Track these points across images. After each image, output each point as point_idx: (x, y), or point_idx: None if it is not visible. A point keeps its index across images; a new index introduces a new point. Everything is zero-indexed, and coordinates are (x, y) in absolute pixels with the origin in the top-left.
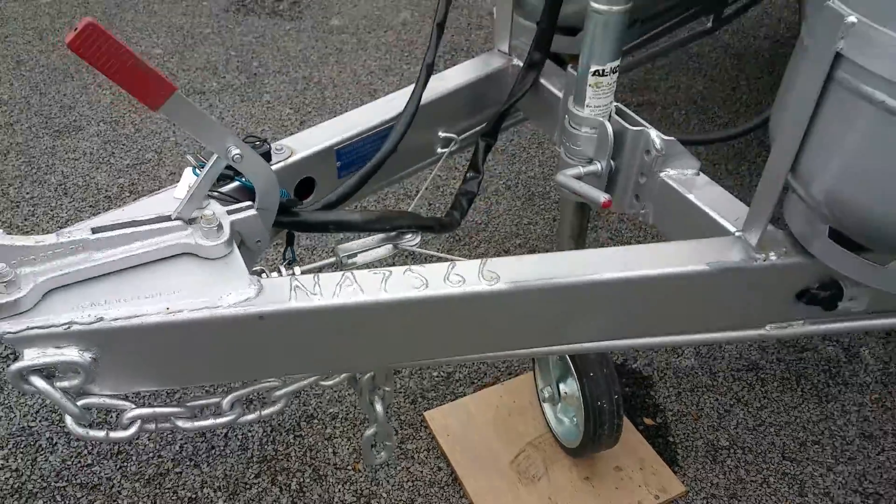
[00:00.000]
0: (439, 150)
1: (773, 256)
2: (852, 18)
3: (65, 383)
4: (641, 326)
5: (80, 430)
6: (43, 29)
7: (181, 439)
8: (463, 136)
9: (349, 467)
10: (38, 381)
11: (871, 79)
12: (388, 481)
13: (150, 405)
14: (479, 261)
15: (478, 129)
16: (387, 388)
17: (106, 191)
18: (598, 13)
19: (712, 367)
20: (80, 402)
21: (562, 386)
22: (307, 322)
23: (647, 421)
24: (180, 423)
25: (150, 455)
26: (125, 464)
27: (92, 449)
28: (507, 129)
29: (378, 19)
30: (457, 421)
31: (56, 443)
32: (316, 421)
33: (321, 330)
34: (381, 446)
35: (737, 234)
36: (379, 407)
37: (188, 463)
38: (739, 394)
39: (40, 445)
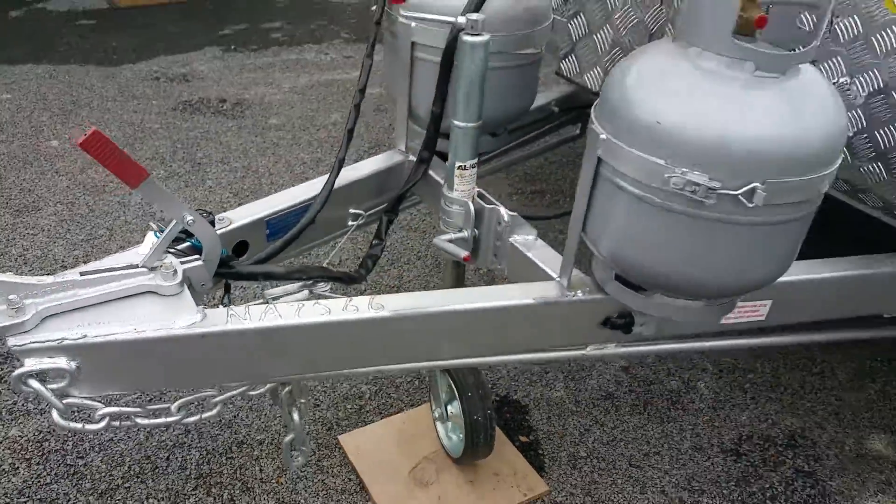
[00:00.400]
0: (350, 222)
1: (580, 293)
2: (603, 136)
3: (53, 386)
4: (491, 346)
5: (63, 423)
6: (3, 122)
7: (129, 461)
8: (369, 212)
9: (273, 481)
10: (34, 383)
11: (620, 175)
12: (305, 490)
13: (117, 405)
14: (370, 297)
15: (381, 207)
16: (302, 401)
17: (63, 261)
18: (458, 127)
19: (577, 397)
20: (64, 402)
21: (449, 408)
22: (238, 340)
23: (522, 438)
24: (139, 420)
25: (103, 474)
26: (80, 482)
27: (50, 471)
28: (406, 209)
29: (311, 119)
30: (366, 442)
31: (18, 467)
32: (245, 446)
33: (249, 347)
34: (298, 451)
35: (557, 279)
36: (296, 416)
37: (136, 480)
38: (598, 417)
39: (3, 469)
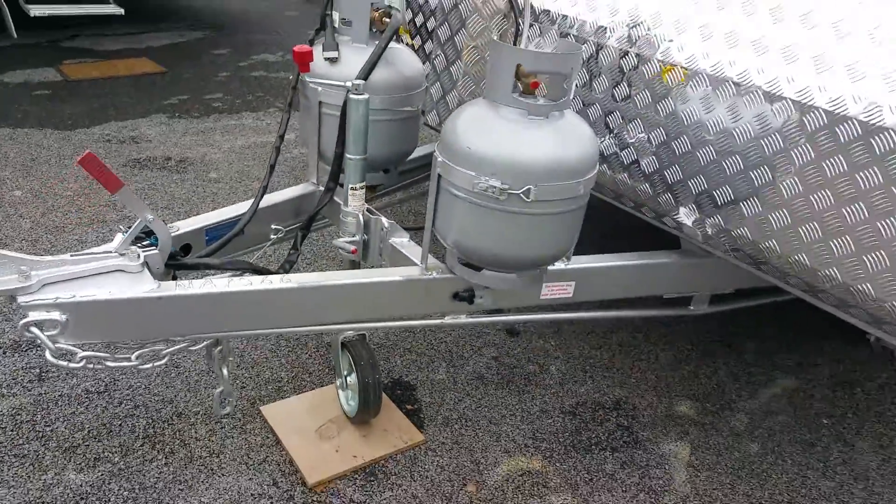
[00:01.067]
0: (272, 236)
1: (434, 274)
2: (440, 159)
3: (48, 333)
4: (372, 313)
5: (54, 360)
6: None
7: (88, 427)
8: (288, 228)
9: (206, 439)
10: (35, 330)
11: (452, 185)
12: (232, 445)
13: (92, 351)
14: (283, 274)
15: (297, 225)
16: (230, 359)
17: None
18: (350, 159)
19: (455, 378)
20: (55, 345)
21: (348, 379)
22: (184, 303)
23: (408, 407)
24: (108, 363)
25: (66, 437)
26: (47, 442)
27: (22, 436)
28: (319, 229)
29: (247, 173)
30: (282, 411)
31: None
32: (183, 416)
33: (191, 309)
34: (227, 401)
35: (421, 265)
36: (225, 371)
37: (93, 440)
38: (469, 392)
39: None
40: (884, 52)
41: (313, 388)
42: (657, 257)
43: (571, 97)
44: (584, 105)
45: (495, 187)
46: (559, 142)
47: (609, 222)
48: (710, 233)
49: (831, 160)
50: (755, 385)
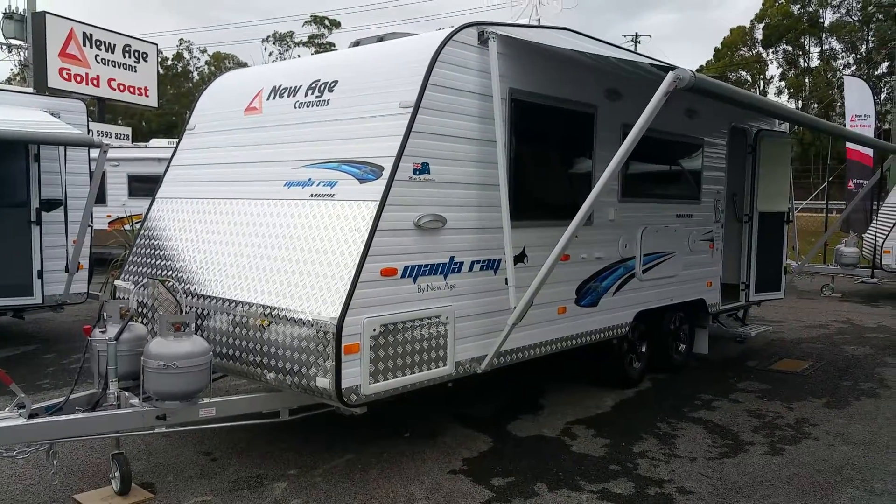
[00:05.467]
0: None
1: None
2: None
3: None
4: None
5: None
6: None
7: None
8: None
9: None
10: None
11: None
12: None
13: None
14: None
15: None
16: (56, 453)
17: None
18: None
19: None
20: None
21: (118, 474)
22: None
23: (147, 491)
24: None
25: None
26: None
27: None
28: None
29: None
30: (88, 496)
31: None
32: (31, 489)
33: None
34: (55, 473)
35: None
36: (55, 461)
37: None
38: (203, 464)
39: None
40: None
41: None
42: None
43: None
44: None
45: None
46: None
47: None
48: None
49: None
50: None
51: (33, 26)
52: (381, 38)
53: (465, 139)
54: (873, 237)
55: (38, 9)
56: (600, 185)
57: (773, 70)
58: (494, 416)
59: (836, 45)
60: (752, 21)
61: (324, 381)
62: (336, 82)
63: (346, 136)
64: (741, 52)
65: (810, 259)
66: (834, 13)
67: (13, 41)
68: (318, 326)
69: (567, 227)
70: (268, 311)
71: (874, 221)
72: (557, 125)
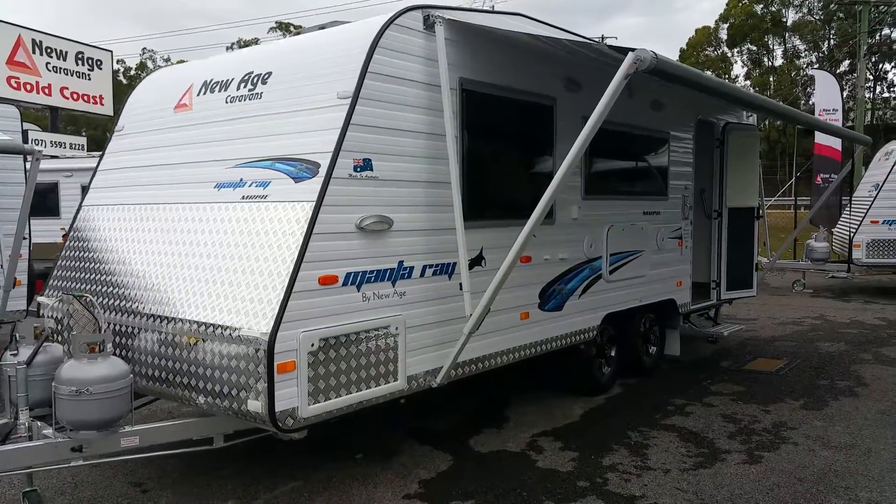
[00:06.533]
0: None
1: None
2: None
3: None
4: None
5: None
6: None
7: None
8: None
9: None
10: None
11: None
12: None
13: None
14: None
15: None
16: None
17: None
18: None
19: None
20: None
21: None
22: None
23: None
24: None
25: None
26: None
27: None
28: None
29: None
30: None
31: None
32: None
33: None
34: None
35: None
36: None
37: None
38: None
39: None
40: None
41: None
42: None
43: None
44: None
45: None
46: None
47: None
48: None
49: None
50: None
51: None
52: (322, 27)
53: (412, 133)
54: (846, 231)
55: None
56: (558, 178)
57: (739, 69)
58: (455, 430)
59: (799, 43)
60: (716, 21)
61: (256, 405)
62: (270, 74)
63: (280, 131)
64: (707, 53)
65: (781, 254)
66: (796, 12)
67: None
68: (248, 343)
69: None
70: (196, 327)
71: (844, 215)
72: (514, 118)
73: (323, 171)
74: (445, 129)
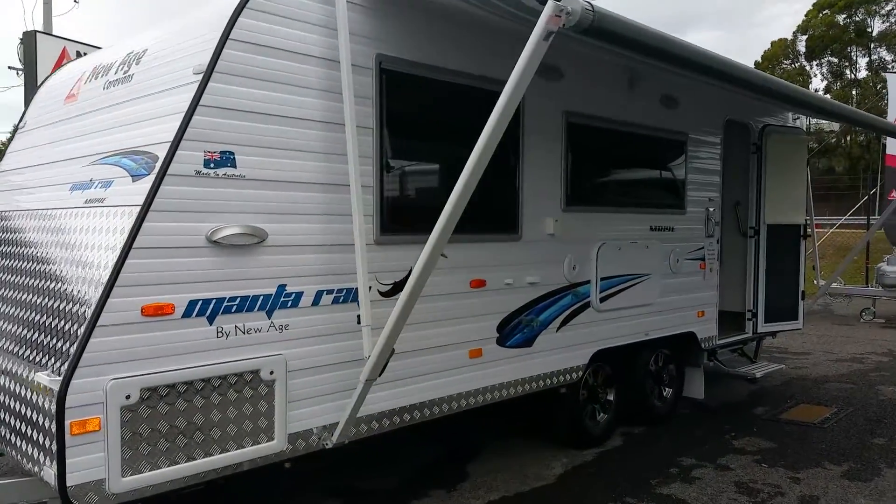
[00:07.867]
0: None
1: None
2: None
3: None
4: None
5: None
6: None
7: None
8: None
9: None
10: None
11: None
12: None
13: None
14: None
15: None
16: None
17: None
18: None
19: None
20: None
21: None
22: None
23: None
24: None
25: None
26: None
27: None
28: None
29: None
30: None
31: None
32: None
33: None
34: None
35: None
36: None
37: None
38: None
39: None
40: None
41: None
42: None
43: None
44: None
45: None
46: None
47: None
48: None
49: None
50: None
51: (24, 47)
52: None
53: (301, 121)
54: None
55: (55, 32)
56: (464, 179)
57: (818, 83)
58: (395, 491)
59: (885, 54)
60: (793, 33)
61: (49, 474)
62: (145, 51)
63: (134, 118)
64: (783, 66)
65: (839, 276)
66: (883, 22)
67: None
68: (38, 394)
69: (481, 242)
70: (2, 370)
71: None
72: (458, 107)
73: (158, 165)
74: (344, 117)
